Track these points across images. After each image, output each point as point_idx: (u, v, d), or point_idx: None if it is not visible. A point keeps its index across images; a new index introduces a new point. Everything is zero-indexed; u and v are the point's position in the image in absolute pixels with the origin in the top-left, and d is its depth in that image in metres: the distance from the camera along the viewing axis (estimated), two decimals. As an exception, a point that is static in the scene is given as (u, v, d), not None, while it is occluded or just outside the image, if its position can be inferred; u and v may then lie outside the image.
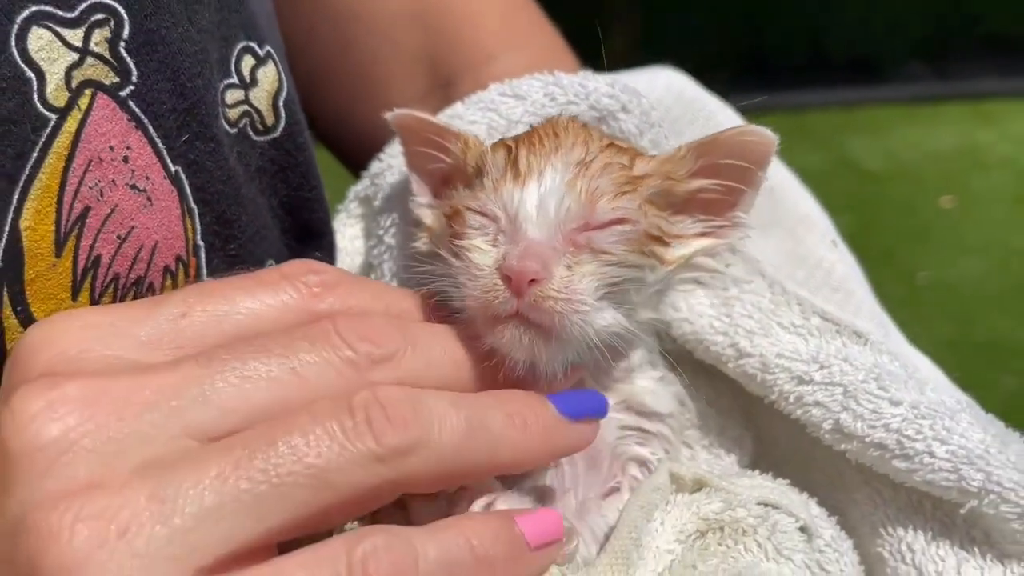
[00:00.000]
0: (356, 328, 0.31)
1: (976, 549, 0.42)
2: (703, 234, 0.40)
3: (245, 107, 0.42)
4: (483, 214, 0.37)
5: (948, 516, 0.42)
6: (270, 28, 0.46)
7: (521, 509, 0.34)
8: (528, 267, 0.34)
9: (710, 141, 0.38)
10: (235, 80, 0.41)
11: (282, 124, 0.43)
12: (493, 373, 0.34)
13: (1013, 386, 2.15)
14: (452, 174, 0.41)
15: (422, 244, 0.41)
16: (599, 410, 0.36)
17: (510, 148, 0.38)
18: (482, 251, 0.36)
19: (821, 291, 0.49)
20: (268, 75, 0.42)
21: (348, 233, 0.50)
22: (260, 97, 0.42)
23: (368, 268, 0.48)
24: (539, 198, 0.36)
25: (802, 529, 0.40)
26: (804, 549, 0.39)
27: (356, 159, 0.50)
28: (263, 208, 0.43)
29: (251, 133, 0.42)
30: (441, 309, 0.36)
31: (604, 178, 0.36)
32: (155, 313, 0.31)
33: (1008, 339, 2.37)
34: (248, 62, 0.41)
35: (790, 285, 0.46)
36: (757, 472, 0.43)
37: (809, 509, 0.42)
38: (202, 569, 0.26)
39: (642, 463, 0.41)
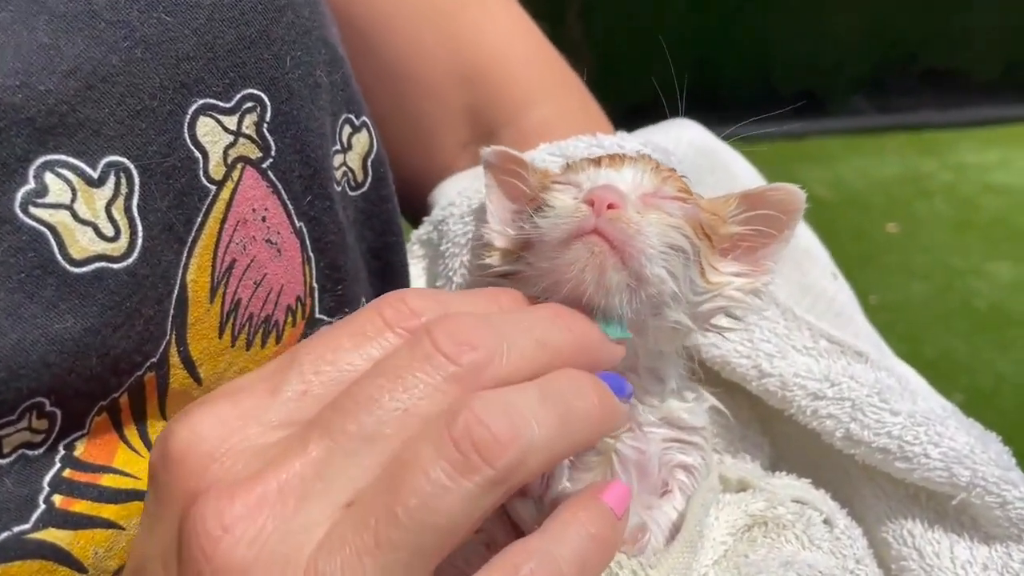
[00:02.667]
0: (452, 334, 0.32)
1: (965, 533, 0.48)
2: (738, 274, 0.44)
3: (344, 168, 0.48)
4: (567, 183, 0.42)
5: (941, 506, 0.49)
6: None
7: (596, 484, 0.37)
8: (610, 193, 0.38)
9: (754, 193, 0.43)
10: (338, 147, 0.47)
11: (369, 180, 0.50)
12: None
13: (960, 400, 2.27)
14: (524, 202, 0.46)
15: (491, 260, 0.45)
16: (629, 392, 0.39)
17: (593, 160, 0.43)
18: (564, 199, 0.40)
19: (825, 317, 0.55)
20: (361, 140, 0.49)
21: (412, 272, 0.57)
22: (353, 158, 0.49)
23: None
24: (619, 172, 0.41)
25: (825, 521, 0.46)
26: (828, 538, 0.45)
27: (403, 202, 0.55)
28: (357, 253, 0.49)
29: (348, 190, 0.49)
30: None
31: (672, 180, 0.42)
32: (278, 396, 0.33)
33: (954, 355, 2.48)
34: (347, 131, 0.48)
35: (799, 312, 0.52)
36: (784, 473, 0.49)
37: (828, 503, 0.48)
38: None
39: (686, 468, 0.46)
